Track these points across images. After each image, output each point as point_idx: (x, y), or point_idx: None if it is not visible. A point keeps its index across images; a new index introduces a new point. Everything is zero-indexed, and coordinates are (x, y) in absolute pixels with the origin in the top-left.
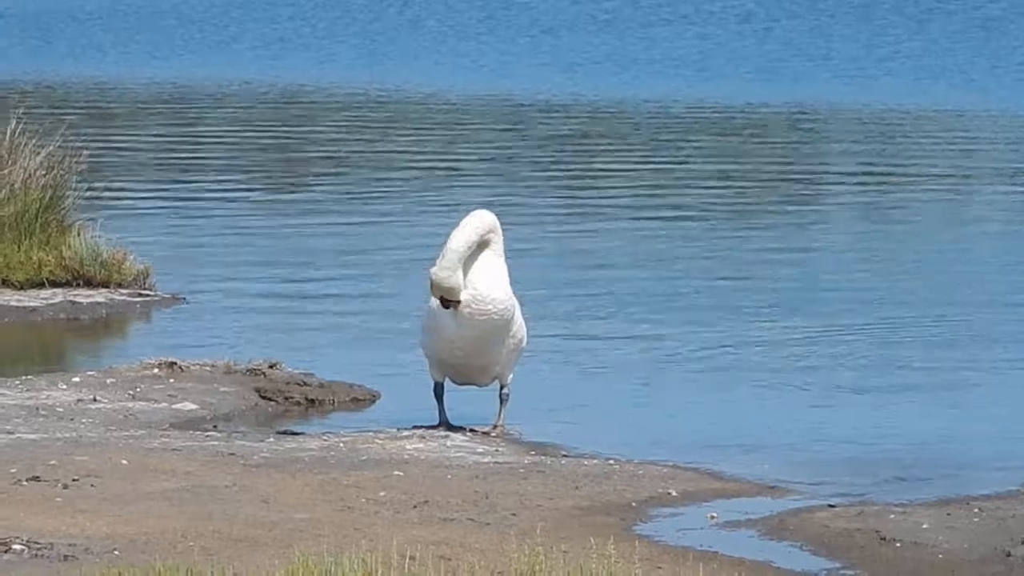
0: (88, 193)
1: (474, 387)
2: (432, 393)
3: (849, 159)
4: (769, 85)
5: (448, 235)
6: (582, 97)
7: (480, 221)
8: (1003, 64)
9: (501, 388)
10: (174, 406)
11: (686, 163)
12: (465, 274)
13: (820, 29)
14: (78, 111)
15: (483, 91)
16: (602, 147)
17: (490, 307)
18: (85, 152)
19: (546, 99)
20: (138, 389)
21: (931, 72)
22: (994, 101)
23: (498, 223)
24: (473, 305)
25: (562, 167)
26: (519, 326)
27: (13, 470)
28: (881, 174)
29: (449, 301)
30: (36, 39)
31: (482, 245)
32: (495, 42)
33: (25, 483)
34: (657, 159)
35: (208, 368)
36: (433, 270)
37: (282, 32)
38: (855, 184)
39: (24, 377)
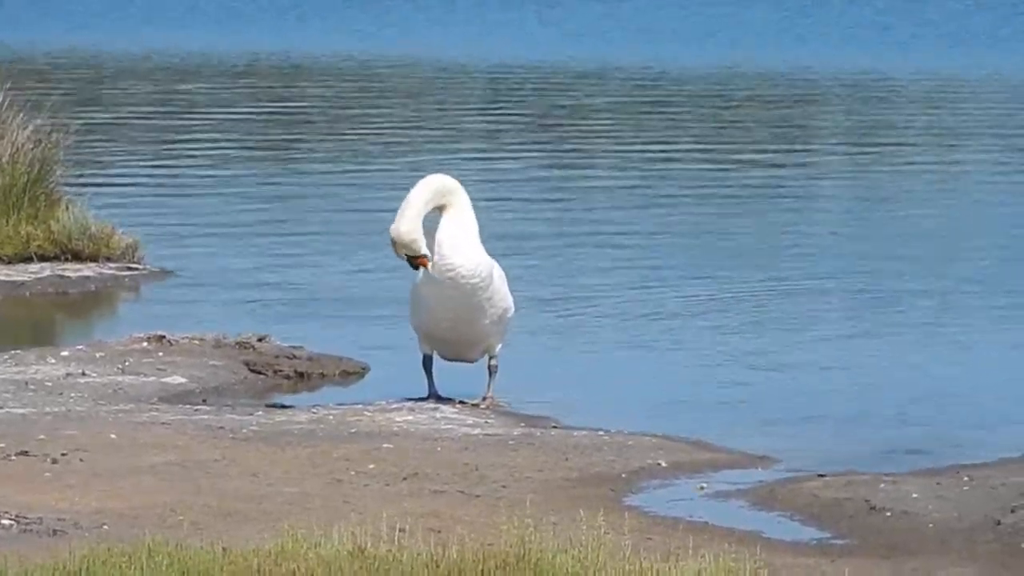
0: (76, 166)
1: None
2: (421, 365)
3: (840, 125)
4: (761, 50)
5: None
6: (577, 65)
7: (435, 181)
8: (998, 28)
9: (489, 360)
10: (163, 380)
11: (677, 129)
12: (431, 240)
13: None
14: (66, 82)
15: (477, 59)
16: (593, 115)
17: (458, 267)
18: (73, 125)
19: (542, 66)
20: (127, 363)
21: (927, 36)
22: (984, 63)
23: (458, 186)
24: (442, 265)
25: (551, 135)
26: (503, 296)
27: (2, 445)
28: (871, 137)
29: (415, 259)
30: (24, 5)
31: (443, 208)
32: (492, 11)
33: (14, 458)
34: (648, 125)
35: (197, 341)
36: (391, 227)
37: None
38: (846, 149)
39: (13, 352)
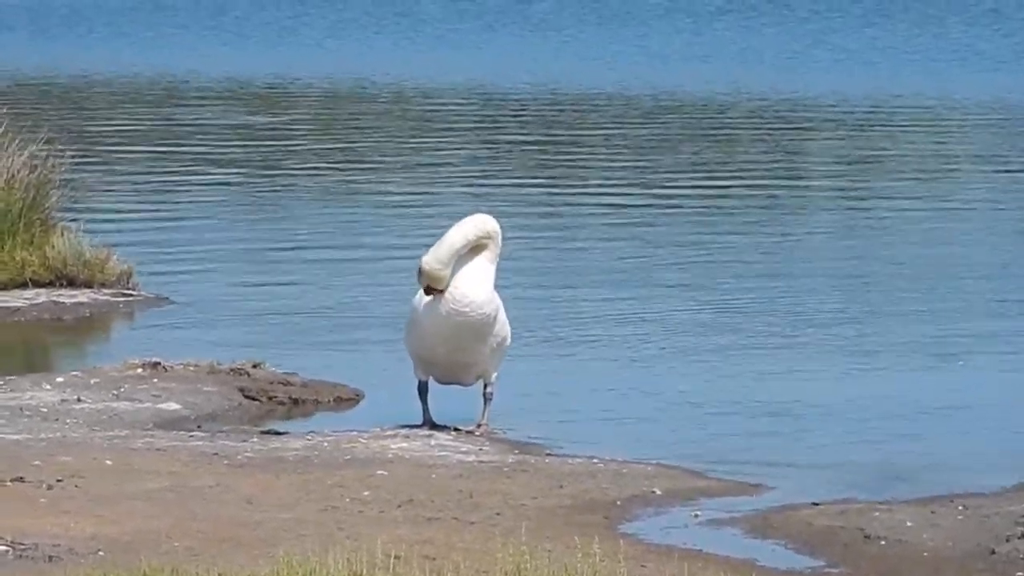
0: (71, 192)
1: (458, 386)
2: (416, 392)
3: (829, 150)
4: (750, 77)
5: (447, 229)
6: (576, 88)
7: (482, 224)
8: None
9: (485, 387)
10: (158, 406)
11: (666, 154)
12: (453, 272)
13: (800, 22)
14: (61, 107)
15: (466, 85)
16: (589, 139)
17: (468, 309)
18: (68, 151)
19: (532, 92)
20: (122, 389)
21: (909, 62)
22: (968, 89)
23: (499, 231)
24: (452, 304)
25: (546, 158)
26: (502, 325)
27: None
28: (860, 163)
29: (433, 290)
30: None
31: (478, 248)
32: (477, 36)
33: (9, 484)
34: (637, 150)
35: (192, 368)
36: (424, 258)
37: (266, 22)
38: (835, 174)
39: (8, 378)
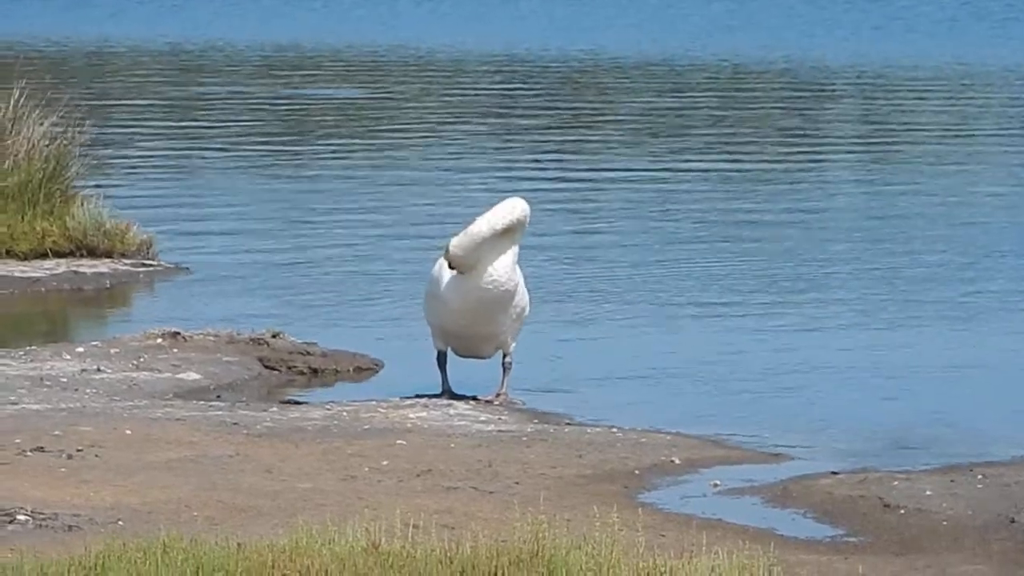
0: (91, 163)
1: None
2: (435, 362)
3: (849, 116)
4: (778, 45)
5: (480, 214)
6: (590, 58)
7: (511, 212)
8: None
9: (504, 356)
10: (178, 376)
11: (690, 123)
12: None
13: None
14: (80, 77)
15: (492, 54)
16: (607, 110)
17: (490, 286)
18: (88, 121)
19: (545, 56)
20: (142, 359)
21: (933, 28)
22: (992, 56)
23: (528, 215)
24: (473, 281)
25: (567, 131)
26: (521, 296)
27: (18, 440)
28: (883, 128)
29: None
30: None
31: (506, 233)
32: (502, 4)
33: (29, 453)
34: (655, 112)
35: (211, 338)
36: (453, 242)
37: None
38: (858, 139)
39: (28, 348)
